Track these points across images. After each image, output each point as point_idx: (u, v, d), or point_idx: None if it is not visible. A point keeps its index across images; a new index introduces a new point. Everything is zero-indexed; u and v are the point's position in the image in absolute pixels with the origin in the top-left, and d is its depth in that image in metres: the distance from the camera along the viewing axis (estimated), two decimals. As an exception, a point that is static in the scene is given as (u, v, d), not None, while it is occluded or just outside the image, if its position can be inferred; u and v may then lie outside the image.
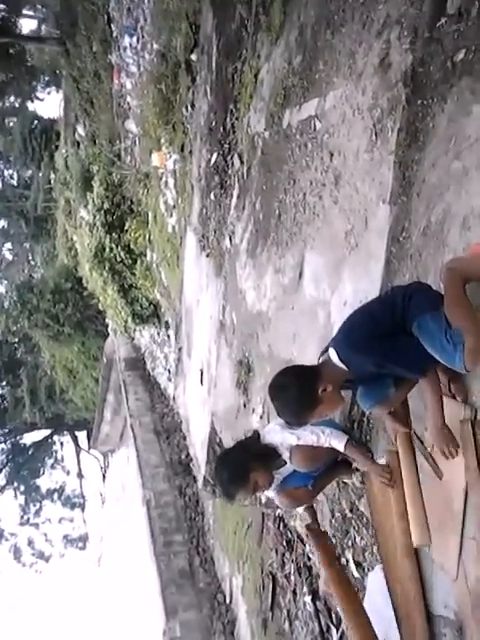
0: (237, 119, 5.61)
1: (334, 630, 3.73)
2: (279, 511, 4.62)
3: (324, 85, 3.81)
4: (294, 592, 4.33)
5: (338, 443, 2.86)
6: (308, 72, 4.05)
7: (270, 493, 3.17)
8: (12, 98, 25.82)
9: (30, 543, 25.84)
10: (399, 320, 2.23)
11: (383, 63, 3.17)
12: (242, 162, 5.46)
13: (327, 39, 3.79)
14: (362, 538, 3.30)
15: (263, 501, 4.63)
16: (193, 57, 6.87)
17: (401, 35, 3.03)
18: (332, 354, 2.35)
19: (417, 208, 2.80)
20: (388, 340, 2.23)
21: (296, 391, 2.39)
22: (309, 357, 3.65)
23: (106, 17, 12.03)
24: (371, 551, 3.23)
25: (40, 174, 23.32)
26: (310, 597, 4.04)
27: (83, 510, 26.39)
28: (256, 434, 3.07)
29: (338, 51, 3.65)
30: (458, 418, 2.40)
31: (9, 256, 30.66)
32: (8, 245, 30.30)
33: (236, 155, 5.63)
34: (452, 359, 2.06)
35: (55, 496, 27.00)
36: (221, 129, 6.00)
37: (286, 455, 2.99)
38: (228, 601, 6.09)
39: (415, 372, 2.29)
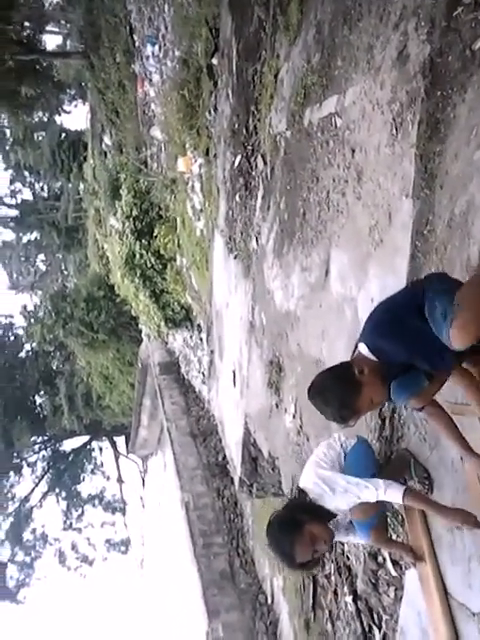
0: (259, 120, 5.63)
1: (376, 630, 3.70)
2: None
3: (343, 81, 3.80)
4: (335, 592, 4.30)
5: (397, 495, 2.68)
6: (327, 69, 4.04)
7: (355, 539, 3.14)
8: (40, 113, 26.37)
9: (74, 547, 26.27)
10: (420, 307, 2.22)
11: (401, 56, 3.14)
12: (265, 163, 5.47)
13: (344, 35, 3.78)
14: (398, 536, 3.26)
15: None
16: (214, 61, 6.92)
17: (418, 26, 3.01)
18: (362, 347, 2.34)
19: (440, 201, 2.77)
20: (414, 325, 2.20)
21: (334, 381, 2.35)
22: (338, 354, 3.63)
23: (128, 28, 12.20)
24: (409, 549, 3.18)
25: (69, 185, 23.83)
26: (351, 597, 4.00)
27: (124, 514, 26.72)
28: (301, 492, 2.92)
29: (356, 46, 3.63)
30: None
31: (43, 267, 31.35)
32: (41, 256, 31.03)
33: (259, 156, 5.65)
34: (441, 329, 2.08)
35: (96, 501, 27.37)
36: (244, 131, 6.03)
37: (341, 516, 2.90)
38: (270, 602, 6.08)
39: (440, 364, 2.25)
